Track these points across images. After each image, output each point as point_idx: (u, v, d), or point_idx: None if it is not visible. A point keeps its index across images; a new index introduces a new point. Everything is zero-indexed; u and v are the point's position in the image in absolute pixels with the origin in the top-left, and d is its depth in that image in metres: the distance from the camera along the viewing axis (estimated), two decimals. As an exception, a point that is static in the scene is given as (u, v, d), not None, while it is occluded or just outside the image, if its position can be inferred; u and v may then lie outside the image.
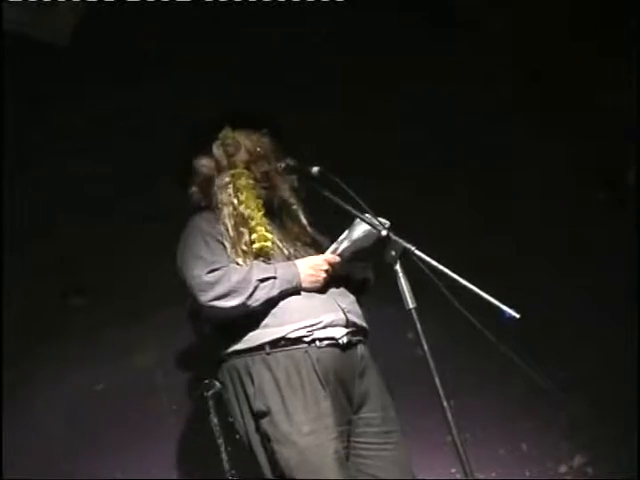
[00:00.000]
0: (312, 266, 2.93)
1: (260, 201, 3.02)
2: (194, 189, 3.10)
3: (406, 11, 4.05)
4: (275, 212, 3.10)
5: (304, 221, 3.11)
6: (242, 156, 3.08)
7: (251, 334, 2.84)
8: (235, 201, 3.00)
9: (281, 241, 3.03)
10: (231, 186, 3.03)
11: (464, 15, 4.12)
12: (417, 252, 2.63)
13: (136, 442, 3.50)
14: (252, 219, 2.96)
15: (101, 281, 3.66)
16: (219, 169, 3.08)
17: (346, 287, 3.01)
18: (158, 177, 3.61)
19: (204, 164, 3.10)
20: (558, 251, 4.01)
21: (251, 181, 3.04)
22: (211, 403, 2.94)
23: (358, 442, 2.86)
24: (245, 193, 3.01)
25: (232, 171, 3.05)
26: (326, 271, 2.93)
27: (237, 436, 2.86)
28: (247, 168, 3.06)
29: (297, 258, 2.99)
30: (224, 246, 2.93)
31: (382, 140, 3.95)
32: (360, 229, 2.88)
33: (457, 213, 3.99)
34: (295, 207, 3.11)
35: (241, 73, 3.81)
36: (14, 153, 3.54)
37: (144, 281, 3.65)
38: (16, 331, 3.46)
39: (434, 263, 2.60)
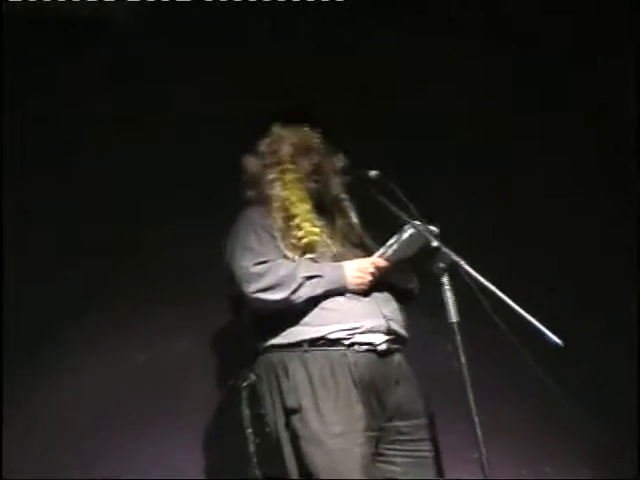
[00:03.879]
0: (359, 268, 2.92)
1: (307, 196, 3.03)
2: (245, 186, 3.12)
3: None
4: (326, 208, 3.11)
5: (354, 220, 3.12)
6: (287, 150, 3.09)
7: (291, 330, 2.85)
8: (282, 196, 3.02)
9: (330, 238, 3.04)
10: (279, 182, 3.05)
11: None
12: (465, 266, 2.62)
13: (163, 428, 3.52)
14: (298, 215, 2.97)
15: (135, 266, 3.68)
16: (266, 165, 3.10)
17: (390, 293, 3.00)
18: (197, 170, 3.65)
19: (250, 161, 3.12)
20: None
21: (298, 176, 3.06)
22: (244, 394, 2.95)
23: (388, 449, 2.86)
24: (291, 189, 3.03)
25: (278, 167, 3.07)
26: (372, 274, 2.92)
27: (266, 429, 2.86)
28: (294, 162, 3.08)
29: (344, 257, 2.99)
30: (275, 239, 2.95)
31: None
32: (410, 235, 2.87)
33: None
34: (346, 204, 3.12)
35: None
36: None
37: (181, 267, 3.66)
38: (45, 311, 3.49)
39: (481, 279, 2.59)
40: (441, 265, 2.67)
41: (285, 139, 3.11)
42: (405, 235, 2.89)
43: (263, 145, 3.12)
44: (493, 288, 2.57)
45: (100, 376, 3.55)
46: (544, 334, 2.48)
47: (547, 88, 4.11)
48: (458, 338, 2.62)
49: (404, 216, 2.82)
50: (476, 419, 2.56)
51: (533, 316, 2.51)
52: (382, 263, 2.94)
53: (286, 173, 3.06)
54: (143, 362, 3.62)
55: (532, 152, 4.07)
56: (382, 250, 2.95)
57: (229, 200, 3.26)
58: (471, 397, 2.57)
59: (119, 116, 3.65)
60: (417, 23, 3.99)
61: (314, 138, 3.13)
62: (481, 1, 4.08)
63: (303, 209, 2.99)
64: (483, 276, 2.60)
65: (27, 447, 3.38)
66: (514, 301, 2.54)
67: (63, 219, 3.58)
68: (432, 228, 2.82)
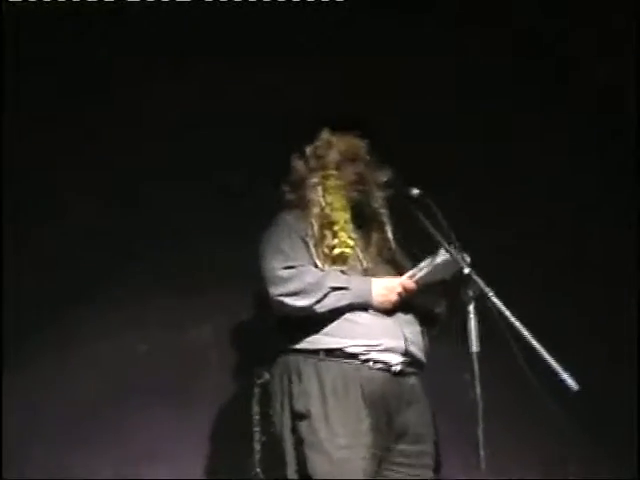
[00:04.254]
0: (387, 287, 2.91)
1: (348, 205, 3.02)
2: (286, 188, 3.12)
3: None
4: (364, 219, 3.09)
5: (390, 235, 3.09)
6: (333, 157, 3.08)
7: (310, 337, 2.85)
8: (322, 202, 3.01)
9: (362, 251, 3.02)
10: (320, 187, 3.04)
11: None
12: (494, 298, 2.61)
13: (173, 417, 3.54)
14: (336, 223, 2.96)
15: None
16: (310, 169, 3.09)
17: (415, 315, 2.98)
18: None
19: (296, 164, 3.11)
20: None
21: (341, 183, 3.05)
22: (256, 391, 3.00)
23: (390, 470, 2.85)
24: (333, 195, 3.02)
25: (322, 172, 3.06)
26: (399, 294, 2.91)
27: (272, 430, 2.87)
28: (338, 169, 3.07)
29: (374, 273, 2.97)
30: (307, 246, 2.94)
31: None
32: (443, 260, 2.85)
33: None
34: (385, 219, 3.09)
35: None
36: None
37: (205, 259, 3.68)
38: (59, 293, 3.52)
39: (507, 313, 2.57)
40: (470, 293, 2.66)
41: (333, 145, 3.10)
42: (438, 259, 2.86)
43: (310, 149, 3.11)
44: (518, 324, 2.55)
45: (106, 363, 3.59)
46: (562, 377, 2.46)
47: (547, 88, 4.10)
48: (476, 368, 2.60)
49: (440, 239, 2.80)
50: (482, 453, 2.55)
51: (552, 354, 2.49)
52: (410, 285, 2.92)
53: (329, 179, 3.05)
54: (151, 351, 3.65)
55: (533, 154, 4.05)
56: (413, 271, 2.93)
57: (252, 193, 3.36)
58: (481, 430, 2.56)
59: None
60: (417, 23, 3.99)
61: (362, 147, 3.12)
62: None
63: (342, 218, 2.98)
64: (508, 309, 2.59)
65: (30, 433, 3.42)
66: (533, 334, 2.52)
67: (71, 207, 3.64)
68: (465, 256, 2.80)
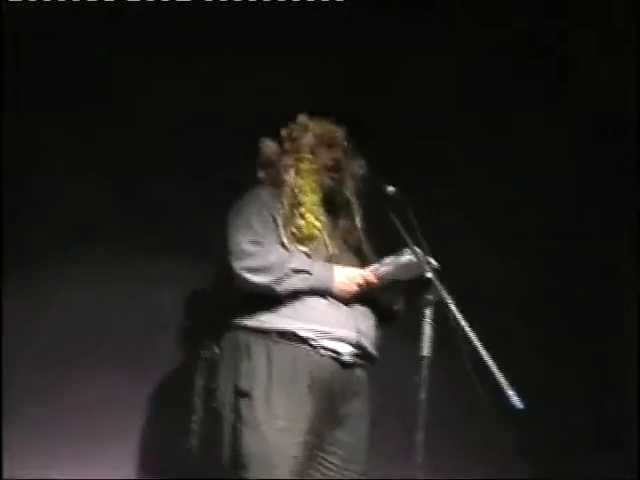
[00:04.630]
0: (348, 276, 2.90)
1: (319, 189, 3.01)
2: (258, 167, 3.10)
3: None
4: (334, 206, 3.09)
5: (358, 224, 3.09)
6: (308, 140, 3.06)
7: (264, 316, 2.83)
8: (293, 183, 3.00)
9: (329, 237, 3.01)
10: (293, 169, 3.03)
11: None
12: (452, 307, 2.59)
13: (123, 378, 3.53)
14: (305, 204, 2.95)
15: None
16: (284, 151, 3.07)
17: (372, 309, 2.97)
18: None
19: (268, 144, 3.09)
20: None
21: (314, 166, 3.03)
22: (203, 364, 2.94)
23: (324, 459, 2.86)
24: (304, 178, 3.01)
25: (296, 155, 3.04)
26: (359, 286, 2.90)
27: (213, 404, 2.86)
28: (313, 153, 3.05)
29: (338, 260, 2.97)
30: (276, 223, 2.93)
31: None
32: (408, 260, 2.83)
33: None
34: (355, 207, 3.09)
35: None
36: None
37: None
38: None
39: (463, 324, 2.55)
40: (429, 297, 2.65)
41: (308, 128, 3.08)
42: (403, 259, 2.85)
43: (285, 131, 3.10)
44: (473, 336, 2.53)
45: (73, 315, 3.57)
46: (507, 393, 2.44)
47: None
48: (425, 373, 2.60)
49: (408, 240, 2.77)
50: (419, 459, 2.55)
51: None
52: (372, 278, 2.91)
53: (303, 162, 3.03)
54: (112, 311, 3.63)
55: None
56: (376, 266, 2.93)
57: (230, 162, 3.35)
58: (421, 436, 2.56)
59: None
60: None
61: (338, 133, 3.10)
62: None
63: (311, 200, 2.97)
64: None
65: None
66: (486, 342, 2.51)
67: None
68: (431, 260, 2.78)
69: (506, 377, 2.45)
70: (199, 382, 2.93)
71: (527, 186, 4.04)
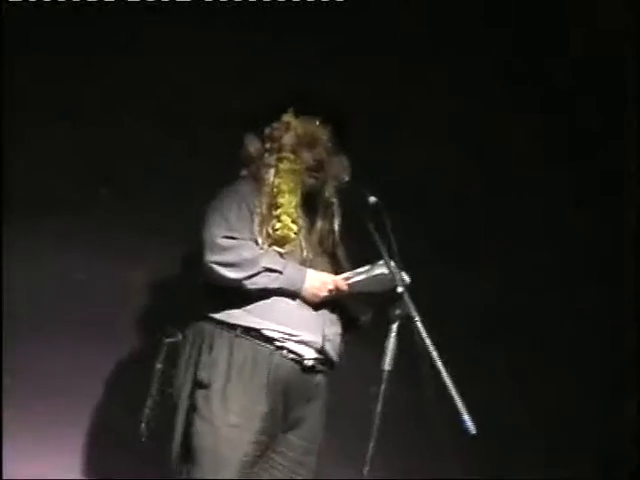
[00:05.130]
0: (320, 281, 2.89)
1: (299, 190, 2.98)
2: (242, 163, 3.08)
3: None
4: (314, 207, 3.06)
5: (336, 228, 3.08)
6: (289, 140, 3.02)
7: (231, 311, 2.82)
8: (272, 183, 2.97)
9: (305, 239, 2.99)
10: (273, 169, 3.00)
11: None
12: (419, 324, 2.58)
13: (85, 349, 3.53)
14: (282, 206, 2.93)
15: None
16: (266, 149, 3.04)
17: (338, 317, 2.98)
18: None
19: (251, 141, 3.07)
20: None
21: (296, 167, 3.00)
22: (164, 349, 2.93)
23: (273, 459, 2.86)
24: (284, 178, 2.98)
25: (277, 154, 3.01)
26: (330, 291, 2.90)
27: (169, 390, 2.84)
28: (295, 153, 3.02)
29: (312, 263, 2.95)
30: (253, 220, 2.91)
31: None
32: (380, 273, 2.83)
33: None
34: (334, 210, 3.07)
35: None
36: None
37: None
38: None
39: (428, 342, 2.55)
40: (397, 312, 2.63)
41: (291, 128, 3.04)
42: (375, 271, 2.85)
43: (268, 129, 3.06)
44: (435, 356, 2.52)
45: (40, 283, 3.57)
46: (462, 416, 2.45)
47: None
48: (383, 387, 2.59)
49: (384, 252, 2.76)
50: (366, 470, 2.55)
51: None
52: (343, 286, 2.91)
53: (283, 162, 3.00)
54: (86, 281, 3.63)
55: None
56: (349, 274, 2.93)
57: (214, 147, 3.39)
58: (371, 449, 2.56)
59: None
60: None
61: (322, 133, 3.07)
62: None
63: (289, 201, 2.94)
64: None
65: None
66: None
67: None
68: (404, 275, 2.78)
69: (464, 400, 2.46)
70: (158, 367, 2.91)
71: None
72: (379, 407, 2.59)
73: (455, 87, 4.07)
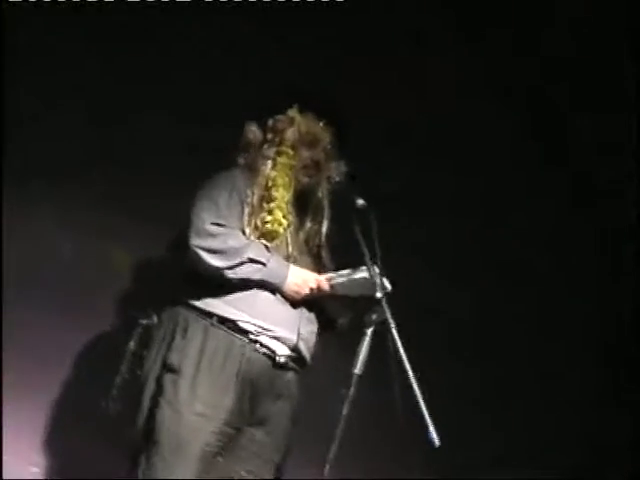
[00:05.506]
0: (302, 278, 2.89)
1: (292, 186, 2.98)
2: (239, 151, 3.07)
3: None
4: (305, 206, 3.07)
5: (324, 229, 3.08)
6: (292, 135, 3.03)
7: (210, 299, 2.81)
8: (268, 175, 2.97)
9: (292, 236, 2.99)
10: (271, 161, 3.00)
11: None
12: (393, 330, 2.59)
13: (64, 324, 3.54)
14: (275, 200, 2.93)
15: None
16: (266, 140, 3.04)
17: (316, 316, 2.97)
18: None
19: (252, 129, 3.07)
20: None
21: (293, 162, 3.00)
22: (138, 330, 2.92)
23: (237, 452, 2.84)
24: (280, 172, 2.98)
25: (277, 148, 3.01)
26: (311, 289, 2.89)
27: (138, 372, 2.84)
28: (294, 149, 3.02)
29: (296, 261, 2.95)
30: (243, 210, 2.90)
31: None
32: (362, 277, 2.82)
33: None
34: (324, 211, 3.07)
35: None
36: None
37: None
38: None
39: (401, 351, 2.56)
40: (373, 317, 2.64)
41: (295, 123, 3.05)
42: (358, 275, 2.85)
43: (271, 120, 3.06)
44: (406, 363, 2.54)
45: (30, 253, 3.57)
46: (428, 428, 2.47)
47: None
48: (352, 390, 2.60)
49: (367, 257, 2.76)
50: (327, 467, 2.56)
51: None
52: (325, 286, 2.90)
53: (281, 156, 3.00)
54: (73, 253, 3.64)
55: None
56: (331, 275, 2.93)
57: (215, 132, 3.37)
58: (333, 450, 2.56)
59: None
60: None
61: (324, 134, 3.07)
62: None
63: (282, 196, 2.94)
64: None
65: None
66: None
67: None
68: (386, 282, 2.78)
69: (430, 411, 2.48)
70: (130, 347, 2.91)
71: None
72: (345, 410, 2.60)
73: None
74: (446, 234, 4.03)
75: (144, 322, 2.91)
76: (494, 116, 4.10)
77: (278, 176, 2.97)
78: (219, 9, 3.61)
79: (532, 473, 3.78)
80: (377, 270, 2.75)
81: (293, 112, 3.07)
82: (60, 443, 3.51)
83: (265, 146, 3.03)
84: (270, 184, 2.95)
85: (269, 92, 3.50)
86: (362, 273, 2.83)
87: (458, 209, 4.08)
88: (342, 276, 2.90)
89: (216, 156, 3.15)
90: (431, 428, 2.47)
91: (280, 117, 3.06)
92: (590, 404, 4.01)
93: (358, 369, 2.61)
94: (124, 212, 3.63)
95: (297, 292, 2.88)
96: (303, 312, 2.92)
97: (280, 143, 3.02)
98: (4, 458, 3.30)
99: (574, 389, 4.01)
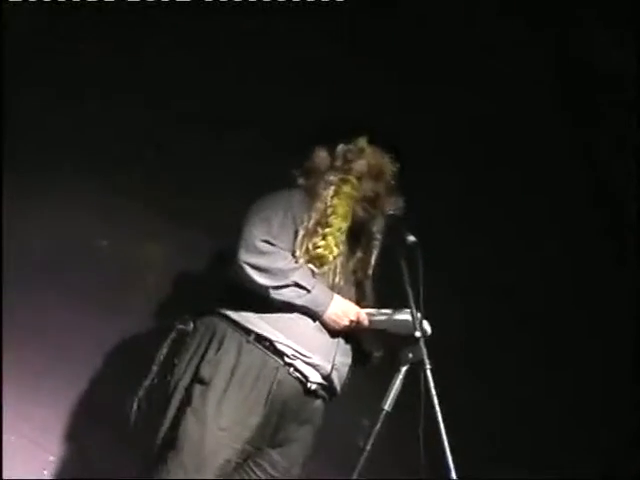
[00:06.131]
0: (344, 310, 2.88)
1: (350, 216, 2.97)
2: (298, 172, 3.08)
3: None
4: (358, 237, 3.06)
5: (372, 263, 3.07)
6: (360, 166, 3.03)
7: (250, 315, 2.81)
8: (328, 202, 2.97)
9: (341, 265, 2.97)
10: (334, 187, 3.00)
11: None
12: (428, 372, 2.59)
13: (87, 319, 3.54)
14: (331, 227, 2.92)
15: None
16: (333, 167, 3.05)
17: (353, 349, 2.96)
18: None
19: (322, 156, 3.08)
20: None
21: (355, 193, 3.00)
22: (172, 335, 2.92)
23: (252, 470, 2.85)
24: (342, 200, 2.98)
25: (343, 175, 3.02)
26: (350, 322, 2.88)
27: (168, 377, 2.83)
28: (359, 180, 3.02)
29: (340, 291, 2.93)
30: (296, 232, 2.90)
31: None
32: (404, 319, 2.80)
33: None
34: (375, 245, 3.06)
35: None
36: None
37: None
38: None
39: (432, 392, 2.56)
40: (410, 356, 2.65)
41: (365, 155, 3.06)
42: (398, 317, 2.84)
43: (342, 148, 3.08)
44: (437, 406, 2.54)
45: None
46: (448, 465, 2.48)
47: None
48: (378, 426, 2.61)
49: (410, 298, 2.75)
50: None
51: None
52: (364, 321, 2.89)
53: (346, 184, 3.00)
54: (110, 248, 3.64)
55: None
56: (372, 311, 2.92)
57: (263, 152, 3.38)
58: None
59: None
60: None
61: (390, 170, 3.08)
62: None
63: (338, 226, 2.93)
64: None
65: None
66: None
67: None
68: (426, 324, 2.78)
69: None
70: (163, 351, 2.90)
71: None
72: (369, 444, 2.60)
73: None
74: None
75: (180, 327, 2.91)
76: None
77: (339, 205, 2.96)
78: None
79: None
80: (418, 311, 2.74)
81: (362, 142, 3.08)
82: (77, 440, 3.51)
83: (330, 172, 3.04)
84: (330, 211, 2.95)
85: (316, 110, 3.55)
86: (403, 315, 2.81)
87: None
88: (383, 314, 2.89)
89: (254, 164, 3.23)
90: (452, 466, 2.47)
91: (351, 147, 3.07)
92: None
93: (388, 405, 2.62)
94: (165, 214, 3.66)
95: (337, 322, 2.87)
96: (340, 343, 2.91)
97: (347, 172, 3.03)
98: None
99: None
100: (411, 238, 2.83)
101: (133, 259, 3.68)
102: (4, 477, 3.21)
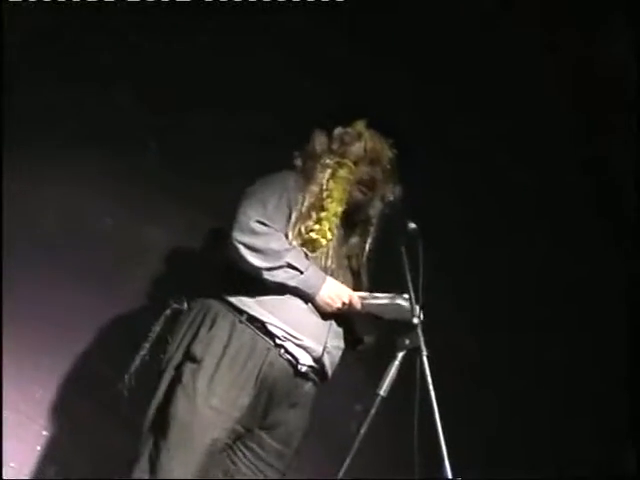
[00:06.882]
0: (336, 292, 2.86)
1: (345, 200, 2.95)
2: (296, 153, 3.06)
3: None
4: (352, 221, 3.04)
5: (367, 248, 3.06)
6: (356, 150, 3.01)
7: (242, 296, 2.79)
8: (324, 185, 2.95)
9: (334, 249, 2.95)
10: (330, 170, 2.98)
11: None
12: (424, 359, 2.58)
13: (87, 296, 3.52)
14: (325, 211, 2.90)
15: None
16: (330, 150, 3.02)
17: (345, 331, 2.95)
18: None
19: (321, 140, 3.04)
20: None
21: (351, 177, 2.98)
22: (167, 313, 2.91)
23: (243, 452, 2.84)
24: (337, 184, 2.95)
25: (339, 159, 2.99)
26: (343, 304, 2.86)
27: (161, 355, 2.82)
28: (356, 164, 3.00)
29: (333, 275, 2.91)
30: (290, 214, 2.88)
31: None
32: (396, 303, 2.80)
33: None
34: (371, 230, 3.05)
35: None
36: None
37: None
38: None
39: (428, 379, 2.55)
40: (406, 342, 2.63)
41: (362, 138, 3.04)
42: (395, 301, 2.82)
43: (339, 131, 3.05)
44: (432, 393, 2.53)
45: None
46: (443, 461, 2.46)
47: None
48: (373, 411, 2.59)
49: (408, 283, 2.73)
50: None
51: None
52: (357, 304, 2.87)
53: (343, 168, 2.98)
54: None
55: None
56: (366, 295, 2.90)
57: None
58: (345, 467, 2.55)
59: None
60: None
61: (387, 154, 3.06)
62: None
63: (334, 209, 2.91)
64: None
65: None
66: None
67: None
68: (420, 311, 2.74)
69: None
70: (156, 328, 2.89)
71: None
72: (364, 429, 2.58)
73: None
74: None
75: (175, 306, 2.89)
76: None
77: (335, 188, 2.94)
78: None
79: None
80: (416, 297, 2.72)
81: (360, 126, 3.06)
82: (69, 413, 3.51)
83: (326, 155, 3.01)
84: (325, 195, 2.93)
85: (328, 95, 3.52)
86: (400, 301, 2.80)
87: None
88: (377, 298, 2.88)
89: (260, 148, 3.22)
90: (446, 462, 2.45)
91: (348, 130, 3.05)
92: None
93: (383, 391, 2.60)
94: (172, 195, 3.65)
95: (329, 305, 2.85)
96: (332, 325, 2.89)
97: (344, 155, 3.00)
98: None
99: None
100: (412, 225, 2.81)
101: (136, 239, 3.66)
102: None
